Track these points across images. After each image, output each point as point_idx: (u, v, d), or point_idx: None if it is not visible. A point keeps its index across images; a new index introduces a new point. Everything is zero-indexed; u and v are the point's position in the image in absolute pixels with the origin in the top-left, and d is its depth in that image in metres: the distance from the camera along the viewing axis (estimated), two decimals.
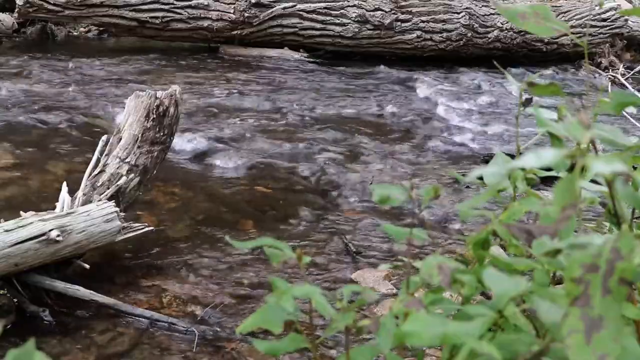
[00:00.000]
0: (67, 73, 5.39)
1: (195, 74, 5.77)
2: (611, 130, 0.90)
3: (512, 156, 1.01)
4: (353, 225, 3.18)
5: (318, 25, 6.60)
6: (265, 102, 5.00)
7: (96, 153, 2.82)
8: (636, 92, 5.04)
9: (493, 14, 6.93)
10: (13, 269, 2.25)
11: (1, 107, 4.43)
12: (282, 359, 2.12)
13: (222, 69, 6.02)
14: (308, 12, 6.56)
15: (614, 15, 7.30)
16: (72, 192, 2.64)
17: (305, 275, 0.96)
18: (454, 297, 1.10)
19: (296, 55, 6.56)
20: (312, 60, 6.52)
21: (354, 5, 6.61)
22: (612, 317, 0.68)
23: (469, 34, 6.84)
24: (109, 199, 2.60)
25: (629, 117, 4.24)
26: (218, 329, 2.30)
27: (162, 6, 6.32)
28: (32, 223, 2.29)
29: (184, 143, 3.98)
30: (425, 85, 5.85)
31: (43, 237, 2.27)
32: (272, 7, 6.47)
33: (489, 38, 6.92)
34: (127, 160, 2.78)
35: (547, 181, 1.30)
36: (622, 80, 6.47)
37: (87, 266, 2.45)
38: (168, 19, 6.34)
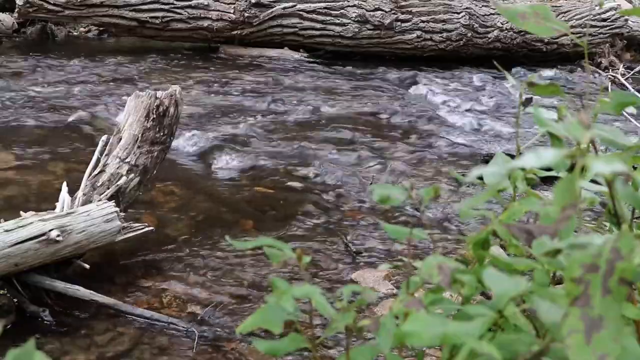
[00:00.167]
0: (67, 73, 5.39)
1: (195, 74, 5.77)
2: (611, 130, 0.90)
3: (512, 156, 1.01)
4: (353, 225, 3.18)
5: (318, 25, 6.60)
6: (265, 102, 5.00)
7: (96, 153, 2.82)
8: (636, 92, 5.04)
9: (493, 14, 6.93)
10: (13, 269, 2.25)
11: (1, 107, 4.42)
12: (282, 359, 2.11)
13: (222, 69, 6.02)
14: (308, 12, 6.56)
15: (614, 15, 7.30)
16: (72, 192, 2.64)
17: (305, 275, 0.96)
18: (454, 297, 1.10)
19: (296, 55, 6.56)
20: (312, 60, 6.52)
21: (354, 5, 6.61)
22: (612, 317, 0.68)
23: (469, 34, 6.84)
24: (109, 199, 2.60)
25: (629, 117, 4.24)
26: (218, 329, 2.30)
27: (162, 6, 6.32)
28: (32, 223, 2.29)
29: (184, 143, 3.98)
30: (425, 85, 5.85)
31: (43, 237, 2.27)
32: (272, 7, 6.47)
33: (489, 38, 6.92)
34: (127, 160, 2.78)
35: (547, 181, 1.30)
36: (622, 80, 6.47)
37: (87, 266, 2.45)
38: (168, 19, 6.34)
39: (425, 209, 0.94)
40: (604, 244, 0.72)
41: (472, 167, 3.92)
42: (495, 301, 0.86)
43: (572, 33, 1.04)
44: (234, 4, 6.42)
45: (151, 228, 2.70)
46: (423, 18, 6.76)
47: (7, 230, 2.23)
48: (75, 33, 7.21)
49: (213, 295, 2.50)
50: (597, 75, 6.83)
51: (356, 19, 6.58)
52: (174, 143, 3.21)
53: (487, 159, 4.10)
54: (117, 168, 2.76)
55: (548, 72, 6.70)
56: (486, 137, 4.67)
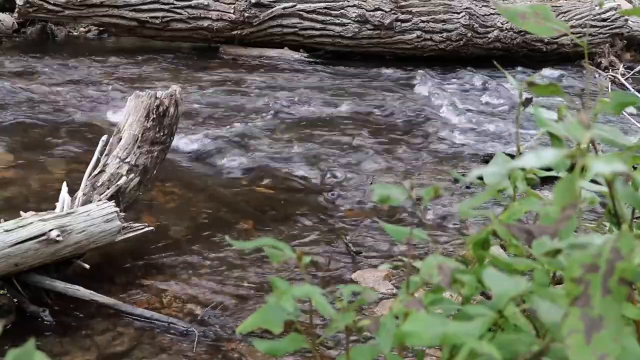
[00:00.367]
0: (67, 73, 5.39)
1: (195, 74, 5.77)
2: (611, 130, 0.90)
3: (512, 156, 1.01)
4: (353, 225, 3.18)
5: (318, 25, 6.60)
6: (265, 102, 5.00)
7: (96, 153, 2.82)
8: (636, 92, 5.04)
9: (493, 14, 6.93)
10: (13, 269, 2.25)
11: (1, 107, 4.42)
12: (282, 359, 2.11)
13: (222, 69, 6.02)
14: (308, 12, 6.56)
15: (614, 15, 7.31)
16: (72, 192, 2.64)
17: (305, 275, 0.96)
18: (454, 297, 1.10)
19: (296, 55, 6.56)
20: (312, 60, 6.53)
21: (354, 5, 6.61)
22: (612, 317, 0.68)
23: (469, 34, 6.84)
24: (109, 199, 2.60)
25: (629, 117, 4.24)
26: (218, 329, 2.30)
27: (162, 6, 6.32)
28: (32, 223, 2.29)
29: (184, 143, 3.98)
30: (425, 85, 5.85)
31: (43, 237, 2.27)
32: (272, 7, 6.47)
33: (489, 38, 6.92)
34: (127, 160, 2.78)
35: (547, 181, 1.30)
36: (622, 80, 6.47)
37: (87, 266, 2.45)
38: (168, 19, 6.34)
39: (425, 209, 0.94)
40: (604, 244, 0.72)
41: (472, 167, 3.92)
42: (495, 301, 0.86)
43: (572, 33, 1.04)
44: (234, 4, 6.42)
45: (151, 228, 2.70)
46: (423, 18, 6.76)
47: (7, 230, 2.23)
48: (75, 33, 7.21)
49: (213, 295, 2.50)
50: (597, 75, 6.83)
51: (356, 19, 6.58)
52: (174, 143, 3.21)
53: (487, 159, 4.10)
54: (117, 168, 2.76)
55: (549, 72, 6.69)
56: (486, 137, 4.67)
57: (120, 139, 2.84)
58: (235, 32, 6.48)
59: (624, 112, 1.01)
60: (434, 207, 3.31)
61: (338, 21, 6.59)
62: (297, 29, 6.59)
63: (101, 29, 7.05)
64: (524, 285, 0.84)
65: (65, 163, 3.61)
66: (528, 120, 3.00)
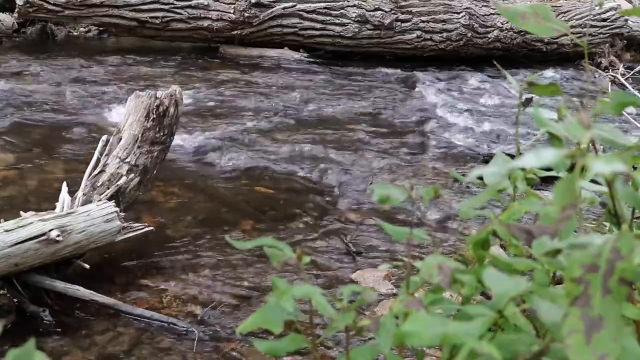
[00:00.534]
0: (67, 73, 5.39)
1: (195, 74, 5.77)
2: (611, 130, 0.90)
3: (512, 156, 1.01)
4: (353, 225, 3.18)
5: (318, 25, 6.60)
6: (265, 102, 5.00)
7: (96, 153, 2.82)
8: (636, 92, 5.04)
9: (493, 14, 6.93)
10: (13, 269, 2.25)
11: (1, 107, 4.42)
12: (282, 359, 2.11)
13: (222, 69, 6.02)
14: (308, 12, 6.56)
15: (614, 15, 7.30)
16: (72, 192, 2.64)
17: (305, 275, 0.96)
18: (454, 297, 1.10)
19: (296, 55, 6.56)
20: (312, 60, 6.52)
21: (354, 5, 6.61)
22: (612, 317, 0.68)
23: (469, 34, 6.84)
24: (109, 199, 2.60)
25: (628, 117, 4.24)
26: (218, 329, 2.30)
27: (162, 6, 6.31)
28: (32, 223, 2.29)
29: (184, 143, 3.98)
30: (425, 85, 5.85)
31: (43, 237, 2.27)
32: (272, 7, 6.47)
33: (489, 38, 6.92)
34: (127, 160, 2.78)
35: (547, 181, 1.30)
36: (622, 80, 6.47)
37: (87, 266, 2.45)
38: (168, 19, 6.34)
39: (425, 209, 0.94)
40: (604, 244, 0.72)
41: (472, 167, 3.92)
42: (495, 301, 0.86)
43: (572, 33, 1.04)
44: (234, 4, 6.42)
45: (151, 228, 2.70)
46: (423, 18, 6.76)
47: (7, 230, 2.23)
48: (75, 33, 7.21)
49: (213, 295, 2.50)
50: (597, 75, 6.82)
51: (356, 19, 6.58)
52: (174, 143, 3.21)
53: (487, 159, 4.10)
54: (117, 168, 2.76)
55: (552, 73, 6.69)
56: (486, 137, 4.67)
57: (120, 139, 2.84)
58: (235, 32, 6.48)
59: (624, 112, 1.01)
60: (434, 207, 3.31)
61: (338, 21, 6.59)
62: (297, 29, 6.58)
63: (101, 29, 7.05)
64: (524, 285, 0.84)
65: (65, 163, 3.61)
66: (528, 120, 3.00)
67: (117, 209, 2.53)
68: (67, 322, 2.30)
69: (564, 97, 1.02)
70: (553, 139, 1.06)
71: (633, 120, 4.34)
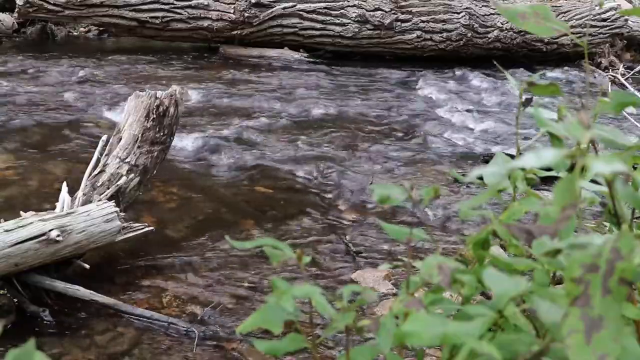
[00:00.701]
0: (67, 73, 5.39)
1: (195, 74, 5.77)
2: (611, 130, 0.90)
3: (512, 156, 1.01)
4: (353, 225, 3.18)
5: (318, 25, 6.60)
6: (265, 102, 5.00)
7: (96, 153, 2.82)
8: (636, 92, 5.04)
9: (493, 14, 6.93)
10: (13, 269, 2.25)
11: (1, 107, 4.42)
12: (282, 359, 2.11)
13: (222, 69, 6.02)
14: (308, 12, 6.56)
15: (614, 15, 7.30)
16: (72, 192, 2.64)
17: (305, 275, 0.96)
18: (454, 297, 1.10)
19: (296, 55, 6.56)
20: (312, 60, 6.53)
21: (354, 5, 6.61)
22: (612, 317, 0.68)
23: (469, 34, 6.84)
24: (109, 199, 2.60)
25: (629, 117, 4.24)
26: (218, 329, 2.30)
27: (162, 6, 6.32)
28: (32, 223, 2.29)
29: (184, 143, 3.98)
30: (425, 85, 5.85)
31: (43, 237, 2.27)
32: (272, 7, 6.47)
33: (489, 38, 6.92)
34: (127, 160, 2.78)
35: (547, 181, 1.30)
36: (622, 80, 6.47)
37: (87, 266, 2.45)
38: (168, 19, 6.34)
39: (425, 209, 0.94)
40: (604, 244, 0.72)
41: (472, 167, 3.92)
42: (495, 301, 0.86)
43: (572, 33, 1.04)
44: (234, 4, 6.42)
45: (151, 228, 2.70)
46: (423, 18, 6.76)
47: (7, 230, 2.23)
48: (75, 33, 7.21)
49: (213, 295, 2.50)
50: (597, 75, 6.82)
51: (356, 19, 6.58)
52: (174, 143, 3.21)
53: (487, 159, 4.10)
54: (117, 168, 2.76)
55: (551, 73, 6.69)
56: (486, 137, 4.67)
57: (120, 139, 2.84)
58: (235, 32, 6.48)
59: (624, 112, 1.01)
60: (434, 207, 3.31)
61: (338, 21, 6.59)
62: (297, 29, 6.58)
63: (101, 29, 7.05)
64: (524, 285, 0.84)
65: (65, 163, 3.61)
66: (528, 120, 3.00)
67: (117, 209, 2.53)
68: (67, 322, 2.30)
69: (564, 97, 1.02)
70: (553, 139, 1.06)
71: (633, 120, 4.34)
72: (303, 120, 4.73)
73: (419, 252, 2.59)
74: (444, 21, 6.80)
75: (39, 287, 2.36)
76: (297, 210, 3.30)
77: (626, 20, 7.54)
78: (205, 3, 6.40)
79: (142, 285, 2.55)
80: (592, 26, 7.23)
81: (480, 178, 1.09)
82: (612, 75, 6.79)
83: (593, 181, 1.02)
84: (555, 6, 7.23)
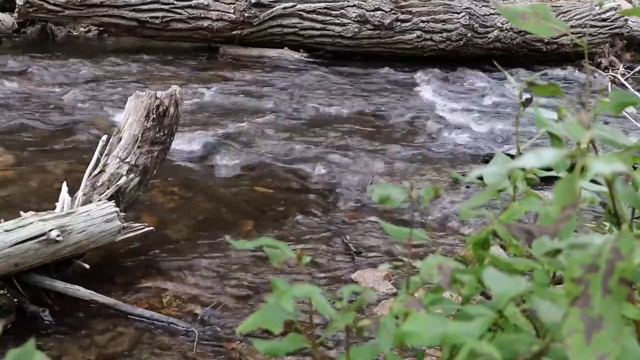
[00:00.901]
0: (67, 73, 5.39)
1: (195, 74, 5.77)
2: (611, 130, 0.90)
3: (512, 156, 1.01)
4: (353, 225, 3.18)
5: (318, 25, 6.60)
6: (265, 102, 5.00)
7: (96, 153, 2.82)
8: (636, 92, 5.04)
9: (493, 14, 6.93)
10: (13, 269, 2.25)
11: (1, 107, 4.42)
12: (283, 359, 2.11)
13: (222, 69, 6.02)
14: (308, 12, 6.56)
15: (614, 15, 7.31)
16: (72, 192, 2.64)
17: (305, 275, 0.96)
18: (454, 297, 1.10)
19: (296, 55, 6.56)
20: (312, 60, 6.53)
21: (354, 5, 6.61)
22: (612, 317, 0.68)
23: (469, 34, 6.84)
24: (109, 199, 2.60)
25: (629, 117, 4.24)
26: (218, 329, 2.30)
27: (162, 6, 6.32)
28: (32, 223, 2.29)
29: (184, 143, 3.98)
30: (425, 85, 5.85)
31: (43, 237, 2.27)
32: (272, 7, 6.47)
33: (489, 38, 6.92)
34: (127, 160, 2.78)
35: (547, 181, 1.30)
36: (622, 80, 6.47)
37: (87, 266, 2.45)
38: (168, 19, 6.34)
39: (426, 209, 0.94)
40: (604, 244, 0.72)
41: (472, 167, 3.92)
42: (495, 301, 0.86)
43: (572, 33, 1.04)
44: (234, 4, 6.42)
45: (151, 228, 2.70)
46: (423, 18, 6.76)
47: (7, 230, 2.23)
48: (75, 33, 7.21)
49: (213, 295, 2.50)
50: (597, 75, 6.82)
51: (356, 19, 6.58)
52: (174, 143, 3.21)
53: (487, 159, 4.09)
54: (117, 168, 2.76)
55: (551, 73, 6.70)
56: (486, 137, 4.67)
57: (120, 139, 2.84)
58: (235, 32, 6.48)
59: (624, 112, 1.01)
60: (435, 207, 3.31)
61: (338, 21, 6.59)
62: (297, 29, 6.59)
63: (101, 29, 7.05)
64: (524, 285, 0.84)
65: (65, 163, 3.61)
66: (528, 120, 3.00)
67: (117, 209, 2.53)
68: (67, 322, 2.30)
69: (564, 97, 1.02)
70: (553, 139, 1.06)
71: (633, 120, 4.34)
72: (303, 120, 4.73)
73: (417, 250, 2.59)
74: (444, 21, 6.80)
75: (39, 287, 2.36)
76: (297, 210, 3.30)
77: (626, 20, 7.54)
78: (205, 3, 6.40)
79: (142, 285, 2.55)
80: (592, 26, 7.23)
81: (480, 178, 1.09)
82: (612, 75, 6.79)
83: (593, 181, 1.02)
84: (555, 6, 7.23)
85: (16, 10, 6.22)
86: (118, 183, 2.71)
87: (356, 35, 6.62)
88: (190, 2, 6.37)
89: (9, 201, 3.09)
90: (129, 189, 2.77)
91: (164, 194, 3.33)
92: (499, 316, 0.85)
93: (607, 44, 7.41)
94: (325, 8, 6.59)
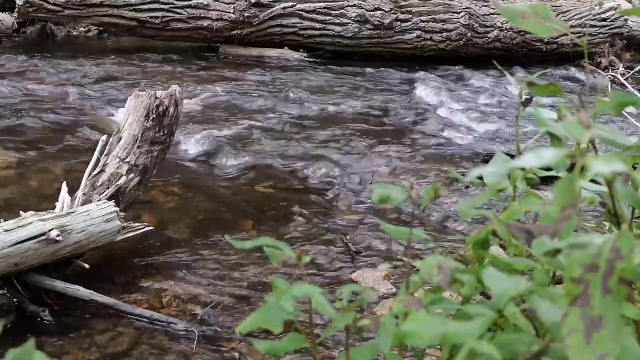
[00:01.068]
0: (67, 73, 5.39)
1: (195, 74, 5.77)
2: (611, 130, 0.90)
3: (512, 156, 1.01)
4: (353, 225, 3.18)
5: (318, 25, 6.60)
6: (265, 102, 5.00)
7: (96, 153, 2.82)
8: (636, 92, 5.05)
9: (493, 14, 6.93)
10: (13, 269, 2.25)
11: (1, 107, 4.42)
12: (282, 359, 2.11)
13: (222, 69, 6.02)
14: (308, 12, 6.56)
15: (614, 15, 7.30)
16: (72, 192, 2.64)
17: (305, 275, 0.96)
18: (454, 297, 1.10)
19: (296, 55, 6.56)
20: (312, 60, 6.52)
21: (354, 5, 6.61)
22: (612, 317, 0.68)
23: (469, 34, 6.84)
24: (109, 199, 2.60)
25: (629, 117, 4.24)
26: (218, 329, 2.30)
27: (162, 6, 6.31)
28: (32, 223, 2.29)
29: (185, 143, 3.98)
30: (425, 85, 5.85)
31: (43, 237, 2.27)
32: (272, 7, 6.47)
33: (489, 38, 6.92)
34: (127, 160, 2.78)
35: (547, 181, 1.30)
36: (622, 80, 6.47)
37: (87, 266, 2.45)
38: (168, 19, 6.34)
39: (426, 209, 0.94)
40: (604, 244, 0.72)
41: (472, 167, 3.92)
42: (495, 301, 0.86)
43: (572, 33, 1.04)
44: (234, 4, 6.42)
45: (151, 228, 2.70)
46: (423, 18, 6.76)
47: (7, 230, 2.23)
48: (75, 33, 7.21)
49: (213, 295, 2.50)
50: (597, 75, 6.83)
51: (356, 19, 6.58)
52: (175, 143, 3.21)
53: (487, 159, 4.09)
54: (117, 168, 2.76)
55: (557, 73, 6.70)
56: (486, 137, 4.67)
57: (120, 139, 2.84)
58: (235, 32, 6.48)
59: (624, 112, 1.01)
60: (435, 207, 3.31)
61: (338, 21, 6.59)
62: (297, 29, 6.58)
63: (101, 29, 7.05)
64: (524, 285, 0.84)
65: (65, 163, 3.61)
66: (528, 120, 3.01)
67: (117, 209, 2.53)
68: (67, 322, 2.30)
69: (564, 97, 1.02)
70: (553, 139, 1.06)
71: (633, 120, 4.34)
72: (303, 120, 4.73)
73: (418, 250, 2.59)
74: (444, 21, 6.80)
75: (39, 287, 2.36)
76: (297, 210, 3.30)
77: (626, 20, 7.53)
78: (205, 3, 6.40)
79: (142, 285, 2.55)
80: (592, 26, 7.23)
81: (480, 178, 1.09)
82: (612, 75, 6.78)
83: (593, 181, 1.02)
84: (555, 6, 7.23)
85: (16, 10, 6.22)
86: (118, 183, 2.71)
87: (356, 35, 6.62)
88: (190, 2, 6.37)
89: (9, 201, 3.09)
90: (129, 189, 2.77)
91: (164, 194, 3.33)
92: (499, 316, 0.85)
93: (607, 44, 7.41)
94: (325, 8, 6.58)
